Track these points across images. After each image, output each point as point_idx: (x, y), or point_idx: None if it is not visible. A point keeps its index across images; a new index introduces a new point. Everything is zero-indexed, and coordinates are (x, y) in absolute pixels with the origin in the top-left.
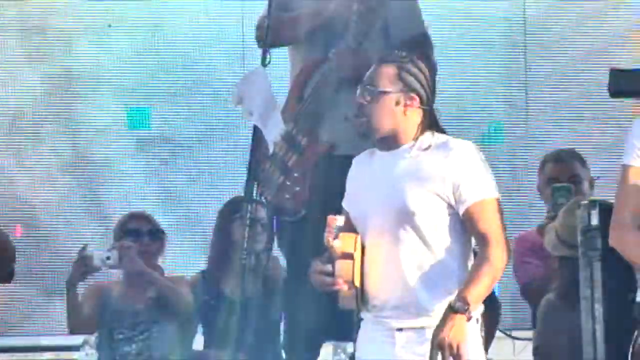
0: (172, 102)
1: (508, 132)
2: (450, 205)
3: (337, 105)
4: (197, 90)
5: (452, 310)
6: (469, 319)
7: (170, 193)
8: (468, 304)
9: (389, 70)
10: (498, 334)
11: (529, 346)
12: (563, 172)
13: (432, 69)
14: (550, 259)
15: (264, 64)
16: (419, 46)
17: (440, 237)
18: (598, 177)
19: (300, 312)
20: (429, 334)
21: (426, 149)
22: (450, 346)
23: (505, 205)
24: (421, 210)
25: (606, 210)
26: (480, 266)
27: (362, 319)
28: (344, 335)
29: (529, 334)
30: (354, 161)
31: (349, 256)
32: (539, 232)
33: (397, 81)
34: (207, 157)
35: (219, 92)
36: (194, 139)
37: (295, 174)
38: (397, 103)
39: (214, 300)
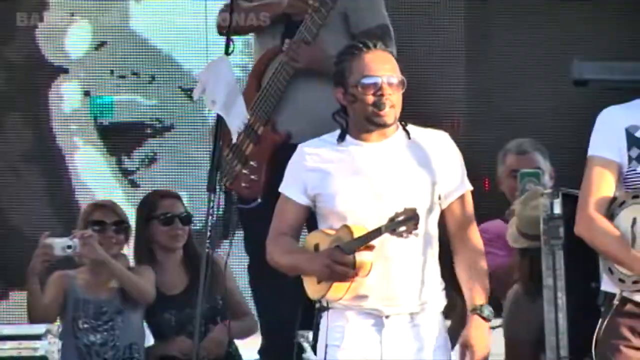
0: (135, 92)
1: (470, 122)
2: (439, 196)
3: (293, 95)
4: (160, 79)
5: (481, 317)
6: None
7: (133, 182)
8: (492, 311)
9: (394, 60)
10: None
11: (493, 334)
12: (525, 164)
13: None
14: (512, 251)
15: (227, 52)
16: (380, 37)
17: (429, 227)
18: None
19: (267, 298)
20: (416, 320)
21: (414, 135)
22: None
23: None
24: (421, 202)
25: (569, 199)
26: (482, 265)
27: (327, 309)
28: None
29: (494, 322)
30: (309, 148)
31: (371, 248)
32: (504, 221)
33: (399, 70)
34: (171, 146)
35: (182, 81)
36: (157, 129)
37: (252, 163)
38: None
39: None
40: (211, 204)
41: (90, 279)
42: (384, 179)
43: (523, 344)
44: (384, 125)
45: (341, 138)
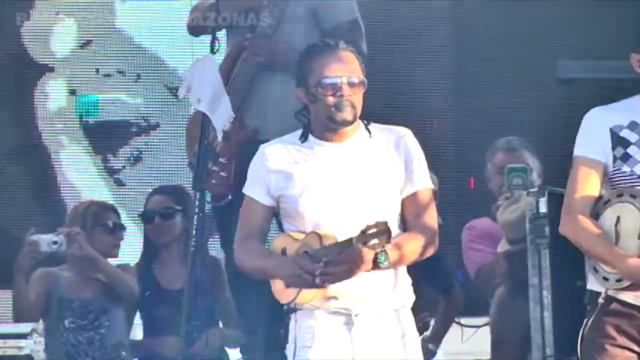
0: (121, 90)
1: (455, 121)
2: (401, 191)
3: (260, 90)
4: (146, 78)
5: (375, 260)
6: (375, 268)
7: (119, 181)
8: (389, 257)
9: (356, 60)
10: None
11: (477, 333)
12: (513, 162)
13: (362, 55)
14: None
15: (212, 51)
16: (349, 32)
17: (393, 225)
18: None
19: (245, 296)
20: (386, 317)
21: (375, 134)
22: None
23: (455, 194)
24: (385, 195)
25: (554, 198)
26: (412, 235)
27: (295, 310)
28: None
29: (477, 321)
30: (271, 150)
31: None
32: (491, 218)
33: (362, 71)
34: (156, 145)
35: (168, 80)
36: (143, 127)
37: (222, 160)
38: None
39: (151, 292)
40: (196, 203)
41: (74, 277)
42: (347, 180)
43: (510, 343)
44: (344, 125)
45: (304, 137)
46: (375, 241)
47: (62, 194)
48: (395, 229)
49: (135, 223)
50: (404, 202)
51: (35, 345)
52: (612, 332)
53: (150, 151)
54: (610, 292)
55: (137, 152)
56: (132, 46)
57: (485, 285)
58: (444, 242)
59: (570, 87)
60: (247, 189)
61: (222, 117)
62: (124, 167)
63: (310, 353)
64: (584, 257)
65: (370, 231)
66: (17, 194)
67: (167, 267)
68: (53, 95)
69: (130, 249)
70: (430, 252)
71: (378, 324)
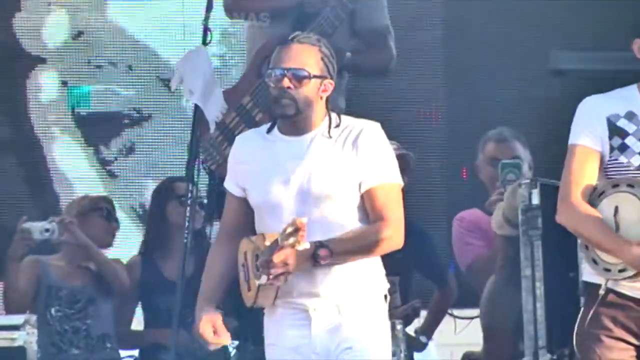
0: (113, 82)
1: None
2: (360, 186)
3: None
4: (138, 69)
5: (315, 255)
6: (316, 264)
7: (111, 172)
8: (331, 252)
9: (313, 53)
10: None
11: (471, 325)
12: (504, 152)
13: (392, 58)
14: (495, 238)
15: (204, 42)
16: (383, 36)
17: (352, 219)
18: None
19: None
20: (344, 311)
21: (336, 130)
22: (284, 268)
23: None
24: (337, 193)
25: (547, 189)
26: (364, 229)
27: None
28: None
29: (470, 312)
30: (240, 140)
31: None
32: (483, 211)
33: (321, 65)
34: (149, 136)
35: (160, 71)
36: (135, 119)
37: None
38: (319, 88)
39: (152, 281)
40: (189, 194)
41: (64, 266)
42: (303, 174)
43: (501, 333)
44: (285, 118)
45: (270, 129)
46: (292, 239)
47: (54, 186)
48: (354, 224)
49: (127, 214)
50: (363, 197)
51: (28, 336)
52: (609, 323)
53: (143, 143)
54: (609, 284)
55: (130, 144)
56: (124, 37)
57: (476, 279)
58: (437, 233)
59: (563, 78)
60: (225, 181)
61: (214, 109)
62: (116, 158)
63: (275, 351)
64: (576, 249)
65: (288, 230)
66: (10, 186)
67: (170, 257)
68: (45, 86)
69: (122, 241)
70: (389, 247)
71: (336, 319)
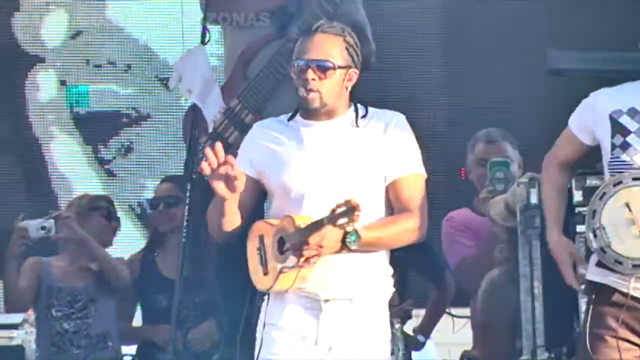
0: (111, 81)
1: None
2: (385, 177)
3: (286, 86)
4: (136, 69)
5: (344, 241)
6: (344, 248)
7: (110, 172)
8: (359, 237)
9: (337, 43)
10: None
11: (468, 324)
12: (493, 153)
13: (373, 52)
14: (485, 235)
15: (203, 42)
16: (361, 30)
17: (377, 208)
18: None
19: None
20: (356, 306)
21: (363, 120)
22: (317, 251)
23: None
24: (364, 181)
25: None
26: (392, 219)
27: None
28: None
29: (468, 311)
30: (260, 125)
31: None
32: (475, 208)
33: (345, 55)
34: (147, 135)
35: (159, 71)
36: (133, 118)
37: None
38: (344, 79)
39: (152, 279)
40: (187, 194)
41: (65, 266)
42: (328, 158)
43: (498, 329)
44: (308, 109)
45: (292, 116)
46: (344, 220)
47: (52, 185)
48: (379, 214)
49: (125, 213)
50: (388, 188)
51: (26, 335)
52: (613, 323)
53: (141, 142)
54: (612, 284)
55: (128, 143)
56: (122, 36)
57: (463, 279)
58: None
59: (561, 79)
60: (237, 158)
61: (212, 108)
62: (114, 157)
63: (274, 331)
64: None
65: (339, 210)
66: (7, 185)
67: (170, 255)
68: (43, 85)
69: (120, 240)
70: (414, 238)
71: (347, 313)
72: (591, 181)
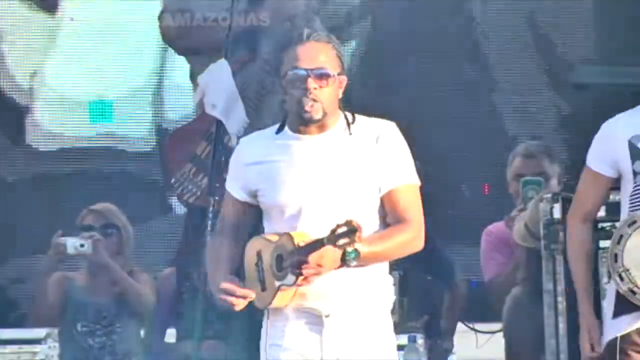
0: (135, 96)
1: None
2: (379, 189)
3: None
4: (159, 83)
5: (343, 258)
6: (344, 265)
7: (135, 185)
8: (359, 254)
9: (329, 50)
10: (461, 326)
11: (492, 339)
12: (530, 168)
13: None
14: (516, 252)
15: (226, 56)
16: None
17: (373, 220)
18: None
19: None
20: (358, 319)
21: (352, 130)
22: (316, 270)
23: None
24: (360, 194)
25: (569, 204)
26: (389, 231)
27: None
28: None
29: (492, 326)
30: (247, 141)
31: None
32: (506, 225)
33: (337, 62)
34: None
35: (182, 86)
36: (157, 132)
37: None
38: (339, 86)
39: (185, 293)
40: (211, 208)
41: (90, 282)
42: (322, 174)
43: (523, 347)
44: (310, 121)
45: (280, 129)
46: (345, 240)
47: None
48: (374, 226)
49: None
50: (383, 199)
51: (49, 350)
52: (636, 338)
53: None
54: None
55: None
56: (145, 52)
57: (495, 294)
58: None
59: (586, 92)
60: (226, 183)
61: (236, 123)
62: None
63: (282, 353)
64: (597, 262)
65: (340, 230)
66: (29, 201)
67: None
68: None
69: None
70: (413, 248)
71: (349, 326)
72: (614, 197)
